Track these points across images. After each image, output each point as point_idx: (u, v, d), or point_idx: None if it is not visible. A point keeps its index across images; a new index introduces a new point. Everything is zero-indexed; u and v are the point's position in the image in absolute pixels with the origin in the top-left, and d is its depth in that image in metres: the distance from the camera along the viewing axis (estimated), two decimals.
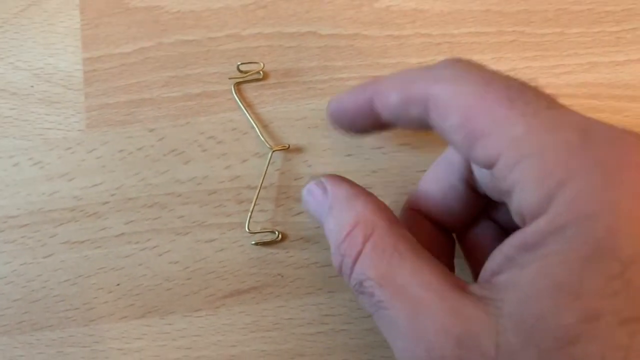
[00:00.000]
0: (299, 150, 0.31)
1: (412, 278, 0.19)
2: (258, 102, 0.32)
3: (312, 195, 0.24)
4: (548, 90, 0.31)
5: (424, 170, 0.31)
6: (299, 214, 0.31)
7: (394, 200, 0.31)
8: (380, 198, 0.31)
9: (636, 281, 0.15)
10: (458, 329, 0.18)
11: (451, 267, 0.26)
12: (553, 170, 0.17)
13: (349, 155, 0.31)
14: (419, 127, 0.22)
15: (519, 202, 0.18)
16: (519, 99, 0.19)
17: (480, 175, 0.23)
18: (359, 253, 0.21)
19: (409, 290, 0.19)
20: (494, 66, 0.32)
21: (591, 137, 0.18)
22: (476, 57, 0.32)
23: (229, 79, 0.32)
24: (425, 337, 0.18)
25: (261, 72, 0.32)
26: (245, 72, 0.32)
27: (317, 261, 0.30)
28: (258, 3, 0.33)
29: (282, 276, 0.30)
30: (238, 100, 0.32)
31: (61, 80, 0.32)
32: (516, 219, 0.19)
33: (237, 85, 0.32)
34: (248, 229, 0.30)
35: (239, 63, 0.31)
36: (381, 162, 0.31)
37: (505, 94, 0.19)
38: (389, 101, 0.22)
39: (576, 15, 0.32)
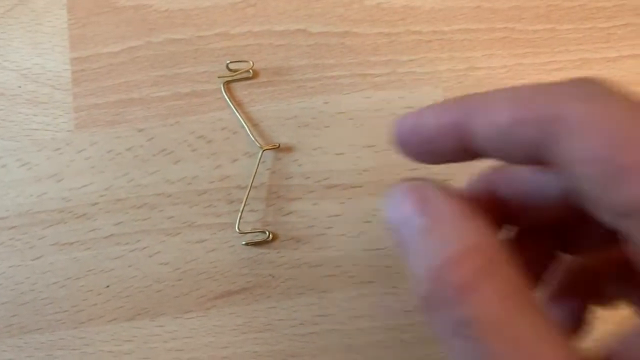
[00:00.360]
0: (289, 149, 0.31)
1: (533, 333, 0.16)
2: (248, 100, 0.32)
3: (401, 203, 0.19)
4: None
5: (416, 169, 0.31)
6: (289, 213, 0.31)
7: None
8: (372, 197, 0.31)
9: None
10: None
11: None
12: None
13: (340, 153, 0.31)
14: (522, 158, 0.18)
15: None
16: None
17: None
18: (470, 286, 0.17)
19: (529, 347, 0.16)
20: (485, 63, 0.32)
21: None
22: (467, 54, 0.32)
23: (218, 77, 0.31)
24: None
25: (251, 71, 0.32)
26: (235, 70, 0.31)
27: (308, 261, 0.30)
28: (247, 1, 0.32)
29: (274, 277, 0.30)
30: (228, 99, 0.31)
31: (49, 81, 0.32)
32: None
33: (227, 84, 0.32)
34: (238, 229, 0.30)
35: (228, 62, 0.31)
36: (373, 160, 0.31)
37: None
38: (495, 120, 0.18)
39: (567, 12, 0.32)
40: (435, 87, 0.31)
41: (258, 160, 0.30)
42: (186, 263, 0.30)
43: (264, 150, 0.30)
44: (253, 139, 0.31)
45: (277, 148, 0.31)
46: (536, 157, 0.17)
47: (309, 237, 0.30)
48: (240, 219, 0.30)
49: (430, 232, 0.18)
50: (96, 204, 0.31)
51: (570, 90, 0.17)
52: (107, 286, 0.30)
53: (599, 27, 0.32)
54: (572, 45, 0.32)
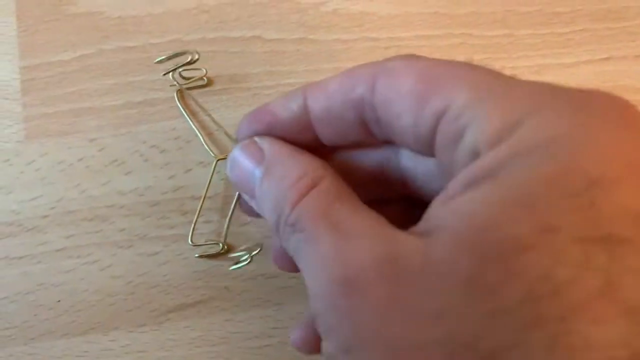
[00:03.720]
0: None
1: (350, 217, 0.19)
2: (202, 109, 0.31)
3: (243, 157, 0.22)
4: None
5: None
6: (245, 224, 0.30)
7: None
8: None
9: (598, 202, 0.15)
10: (383, 247, 0.17)
11: None
12: (519, 103, 0.17)
13: None
14: (353, 123, 0.21)
15: (475, 136, 0.17)
16: (481, 69, 0.19)
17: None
18: (303, 196, 0.20)
19: (342, 225, 0.18)
20: None
21: (556, 86, 0.17)
22: None
23: (171, 86, 0.31)
24: (345, 256, 0.17)
25: (205, 78, 0.31)
26: (188, 78, 0.31)
27: (264, 272, 0.30)
28: (201, 7, 0.32)
29: (228, 289, 0.30)
30: (181, 108, 0.31)
31: None
32: (467, 159, 0.18)
33: (180, 92, 0.31)
34: (191, 241, 0.29)
35: (181, 69, 0.31)
36: None
37: (465, 65, 0.19)
38: (327, 89, 0.21)
39: (524, 17, 0.32)
40: None
41: (212, 170, 0.30)
42: (138, 276, 0.30)
43: (218, 160, 0.30)
44: (207, 148, 0.30)
45: None
46: (361, 117, 0.21)
47: (265, 248, 0.30)
48: (193, 230, 0.29)
49: (271, 171, 0.22)
50: (47, 216, 0.30)
51: (387, 60, 0.21)
52: (59, 301, 0.29)
53: (556, 32, 0.32)
54: (530, 50, 0.32)
